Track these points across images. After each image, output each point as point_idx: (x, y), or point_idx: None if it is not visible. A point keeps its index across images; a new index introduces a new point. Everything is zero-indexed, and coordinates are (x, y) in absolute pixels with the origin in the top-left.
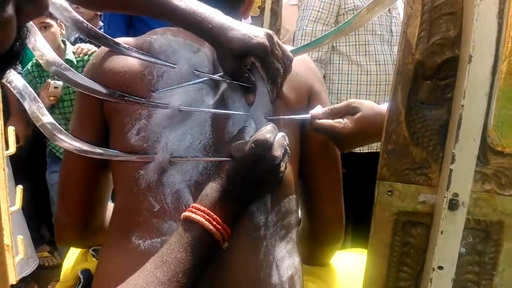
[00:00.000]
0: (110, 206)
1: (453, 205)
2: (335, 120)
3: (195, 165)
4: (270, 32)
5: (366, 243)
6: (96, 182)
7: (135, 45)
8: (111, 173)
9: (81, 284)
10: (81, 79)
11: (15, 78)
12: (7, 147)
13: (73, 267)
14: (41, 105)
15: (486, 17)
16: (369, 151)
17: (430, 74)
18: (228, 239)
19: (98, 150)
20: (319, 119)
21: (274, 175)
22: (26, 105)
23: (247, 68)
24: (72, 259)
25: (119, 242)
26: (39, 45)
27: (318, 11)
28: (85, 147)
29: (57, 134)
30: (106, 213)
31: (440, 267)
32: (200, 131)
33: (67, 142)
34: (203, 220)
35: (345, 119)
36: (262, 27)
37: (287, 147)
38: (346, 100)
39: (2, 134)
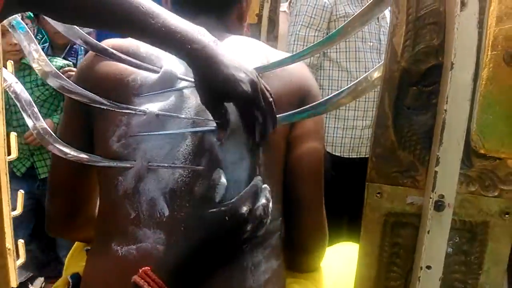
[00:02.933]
0: None
1: (439, 206)
2: None
3: (172, 173)
4: (255, 79)
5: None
6: (81, 183)
7: (123, 48)
8: (97, 177)
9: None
10: (69, 84)
11: (15, 85)
12: (9, 153)
13: (66, 269)
14: (35, 109)
15: (467, 27)
16: (365, 156)
17: (416, 81)
18: None
19: (83, 155)
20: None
21: (235, 248)
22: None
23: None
24: (70, 261)
25: (102, 247)
26: (36, 53)
27: (311, 17)
28: (72, 152)
29: (47, 139)
30: (95, 209)
31: (428, 267)
32: (180, 139)
33: (57, 147)
34: None
35: None
36: (260, 34)
37: (268, 211)
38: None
39: (4, 139)
